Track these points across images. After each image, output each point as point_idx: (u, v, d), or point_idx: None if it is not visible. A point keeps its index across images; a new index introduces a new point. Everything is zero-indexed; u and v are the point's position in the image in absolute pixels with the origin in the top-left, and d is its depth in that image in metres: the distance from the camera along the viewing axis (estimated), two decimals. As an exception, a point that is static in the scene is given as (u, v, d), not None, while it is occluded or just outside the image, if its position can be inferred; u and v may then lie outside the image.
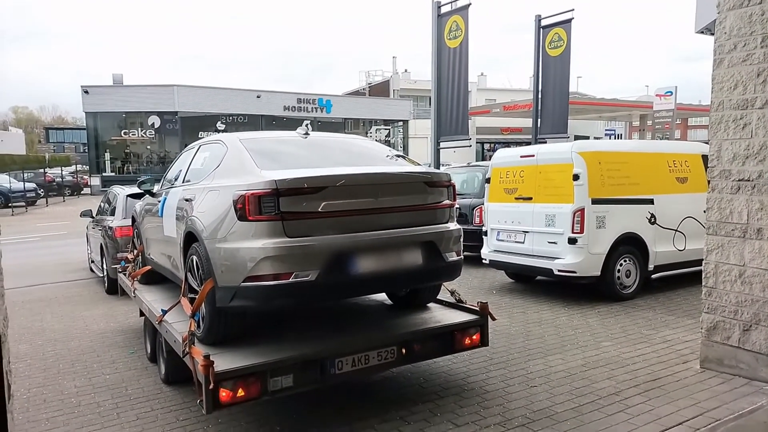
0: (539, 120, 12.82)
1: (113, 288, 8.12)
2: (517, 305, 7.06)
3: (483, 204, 9.74)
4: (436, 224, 3.96)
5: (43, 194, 29.00)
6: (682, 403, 4.00)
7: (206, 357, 3.27)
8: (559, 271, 6.95)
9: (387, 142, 46.06)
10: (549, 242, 7.14)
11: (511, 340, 5.59)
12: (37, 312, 7.76)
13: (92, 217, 10.39)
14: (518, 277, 8.54)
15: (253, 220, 3.41)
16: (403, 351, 3.88)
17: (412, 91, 50.40)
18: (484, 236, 8.29)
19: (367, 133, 44.92)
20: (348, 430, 3.76)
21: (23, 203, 26.34)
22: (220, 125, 36.95)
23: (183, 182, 4.80)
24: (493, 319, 4.41)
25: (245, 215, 3.42)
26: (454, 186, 4.19)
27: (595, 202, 6.86)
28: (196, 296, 3.80)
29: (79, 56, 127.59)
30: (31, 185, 28.09)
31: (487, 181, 8.28)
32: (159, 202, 5.12)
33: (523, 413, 3.92)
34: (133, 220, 6.57)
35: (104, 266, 8.86)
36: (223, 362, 3.38)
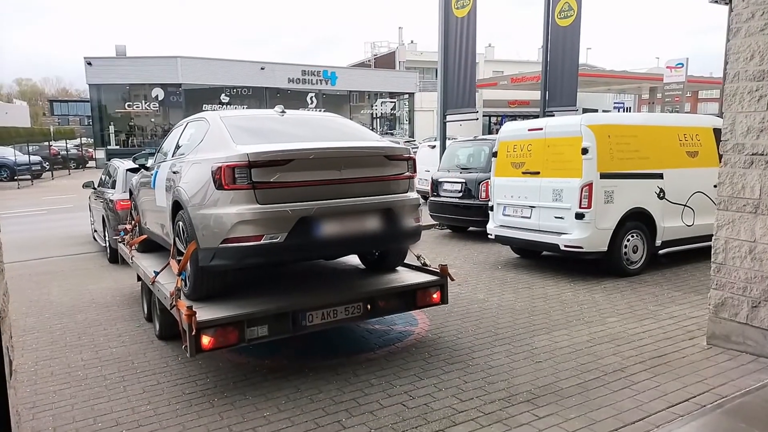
0: (547, 92, 12.60)
1: (114, 257, 8.73)
2: (522, 281, 7.03)
3: (489, 179, 9.70)
4: (396, 194, 4.38)
5: (48, 167, 29.01)
6: (688, 379, 3.98)
7: (189, 308, 3.74)
8: (565, 246, 6.90)
9: (392, 116, 45.65)
10: (556, 217, 7.07)
11: (516, 316, 5.57)
12: (44, 285, 7.80)
13: (94, 189, 10.70)
14: (524, 253, 8.50)
15: (229, 189, 3.85)
16: (369, 307, 4.36)
17: (419, 63, 49.66)
18: (490, 211, 8.22)
19: (372, 106, 44.50)
20: (354, 405, 3.77)
21: (29, 176, 26.38)
22: (224, 98, 36.65)
23: (172, 156, 5.19)
24: (452, 279, 4.86)
25: (222, 185, 3.87)
26: (413, 159, 4.59)
27: (603, 176, 6.76)
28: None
29: (83, 28, 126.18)
30: (36, 158, 28.06)
31: (494, 155, 8.17)
32: (152, 175, 5.62)
33: (528, 389, 3.91)
34: (131, 192, 7.09)
35: (106, 236, 9.29)
36: (205, 314, 3.87)
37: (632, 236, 7.07)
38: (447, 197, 10.40)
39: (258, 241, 3.82)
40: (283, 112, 4.92)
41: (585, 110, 12.00)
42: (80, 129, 60.35)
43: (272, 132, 4.52)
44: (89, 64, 33.51)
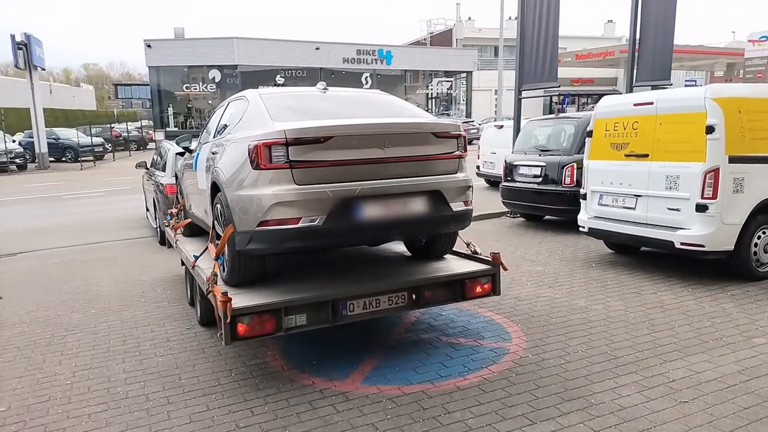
0: (636, 66, 11.17)
1: (164, 240, 8.61)
2: (626, 284, 5.96)
3: (574, 162, 8.58)
4: (444, 174, 4.05)
5: (110, 149, 29.53)
6: None
7: (224, 294, 3.54)
8: (682, 244, 5.76)
9: (448, 95, 44.14)
10: (669, 209, 5.93)
11: (633, 332, 4.55)
12: (94, 274, 7.35)
13: (146, 169, 10.66)
14: (618, 248, 7.38)
15: (265, 169, 3.60)
16: (414, 297, 4.04)
17: (477, 41, 47.79)
18: (582, 200, 7.12)
19: (428, 86, 43.14)
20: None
21: (92, 158, 26.89)
22: (279, 79, 36.34)
23: (213, 137, 5.00)
24: (505, 269, 4.43)
25: (258, 164, 3.62)
26: (464, 137, 4.22)
27: (732, 160, 5.56)
28: None
29: (147, 11, 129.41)
30: (98, 140, 28.59)
31: (588, 134, 7.04)
32: (194, 157, 5.47)
33: (681, 444, 2.94)
34: (176, 177, 6.99)
35: (156, 219, 9.32)
36: (241, 300, 3.65)
37: (764, 232, 5.85)
38: (523, 182, 9.32)
39: (296, 224, 3.57)
40: (325, 89, 4.68)
41: (653, 88, 10.54)
42: (142, 112, 61.91)
43: (314, 109, 4.25)
44: (149, 46, 33.86)
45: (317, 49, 36.64)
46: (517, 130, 10.59)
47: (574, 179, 8.55)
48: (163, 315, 5.52)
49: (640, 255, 7.15)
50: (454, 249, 4.79)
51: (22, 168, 24.40)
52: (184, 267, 5.80)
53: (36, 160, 25.36)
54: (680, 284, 5.83)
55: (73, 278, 7.17)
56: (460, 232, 4.58)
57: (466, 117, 39.56)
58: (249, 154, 3.70)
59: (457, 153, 4.15)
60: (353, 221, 3.68)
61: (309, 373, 3.99)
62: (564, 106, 39.81)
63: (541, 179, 8.99)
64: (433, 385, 3.73)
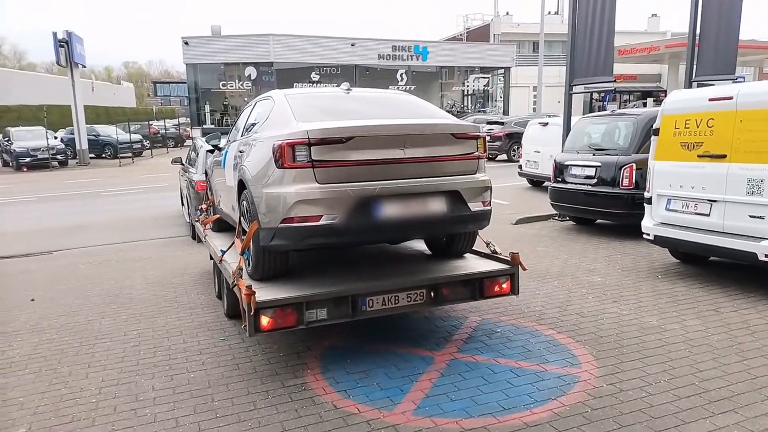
0: (696, 59, 10.37)
1: (195, 234, 8.68)
2: (701, 299, 5.36)
3: (633, 162, 7.95)
4: (463, 175, 4.10)
5: (148, 145, 29.87)
6: None
7: (248, 287, 3.65)
8: (767, 256, 5.14)
9: (484, 92, 43.20)
10: (751, 216, 5.30)
11: (722, 359, 3.98)
12: (128, 276, 7.12)
13: (182, 164, 10.71)
14: (685, 257, 6.74)
15: (288, 168, 3.70)
16: (432, 294, 4.11)
17: (515, 36, 46.69)
18: (646, 204, 6.51)
19: (463, 83, 42.31)
20: None
21: (130, 154, 27.22)
22: (314, 76, 36.17)
23: (241, 136, 5.13)
24: (524, 269, 4.44)
25: (282, 163, 3.73)
26: (484, 138, 4.28)
27: (829, 162, 4.91)
28: None
29: (187, 10, 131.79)
30: (137, 137, 28.94)
31: (655, 132, 6.42)
32: (223, 155, 5.64)
33: None
34: (206, 174, 7.20)
35: (189, 214, 9.49)
36: (265, 294, 3.78)
37: None
38: (575, 184, 8.71)
39: (316, 222, 3.68)
40: (349, 89, 4.81)
41: (699, 84, 9.76)
42: (180, 109, 62.94)
43: (337, 110, 4.37)
44: (186, 43, 34.10)
45: (353, 45, 36.29)
46: (567, 127, 9.96)
47: (633, 181, 7.92)
48: (197, 323, 5.20)
49: (710, 265, 6.51)
50: (474, 248, 4.82)
51: (63, 164, 24.83)
52: (212, 261, 5.86)
53: (77, 157, 25.79)
54: (764, 301, 5.20)
55: (107, 279, 6.96)
56: (480, 231, 4.58)
57: (503, 114, 38.61)
58: (273, 154, 3.80)
59: (476, 154, 4.19)
60: (372, 220, 3.76)
61: (353, 398, 3.59)
62: (605, 103, 38.43)
63: (595, 180, 8.37)
64: (496, 419, 3.26)
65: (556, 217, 9.96)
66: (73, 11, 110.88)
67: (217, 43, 35.10)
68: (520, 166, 14.41)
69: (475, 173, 4.18)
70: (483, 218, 4.23)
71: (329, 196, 3.65)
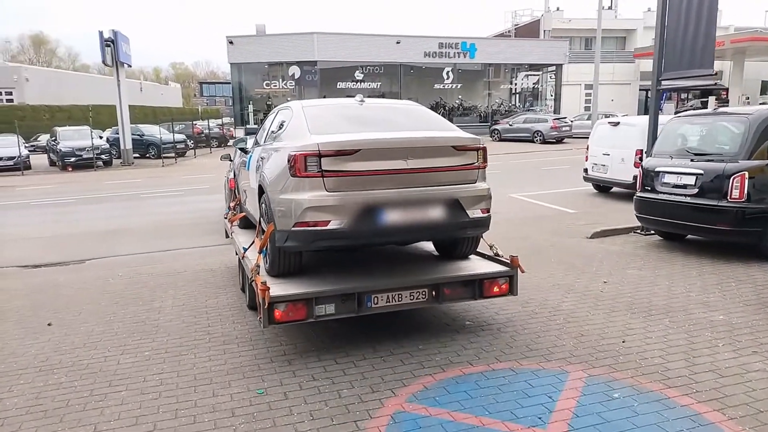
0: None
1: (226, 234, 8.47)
2: None
3: (744, 170, 6.65)
4: (463, 184, 4.41)
5: (192, 145, 29.68)
6: None
7: (263, 283, 4.04)
8: None
9: (533, 90, 41.42)
10: None
11: None
12: (158, 296, 6.31)
13: (230, 160, 9.85)
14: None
15: (301, 176, 4.09)
16: (434, 293, 4.42)
17: (566, 32, 44.71)
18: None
19: (511, 81, 40.68)
20: None
21: (173, 154, 27.01)
22: (358, 74, 35.40)
23: (263, 142, 5.53)
24: (522, 271, 4.67)
25: (295, 172, 4.11)
26: (484, 149, 4.55)
27: None
28: None
29: (232, 10, 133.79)
30: (180, 137, 28.74)
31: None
32: (248, 158, 5.94)
33: None
34: (235, 174, 7.51)
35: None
36: (278, 289, 4.15)
37: None
38: (669, 194, 7.43)
39: (325, 226, 4.02)
40: (362, 101, 5.18)
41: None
42: (225, 109, 63.50)
43: (348, 121, 4.68)
44: (231, 43, 33.88)
45: (398, 43, 35.29)
46: (654, 128, 8.66)
47: (745, 192, 6.63)
48: (230, 366, 4.29)
49: None
50: (479, 251, 5.11)
51: (107, 164, 24.75)
52: (237, 256, 6.06)
53: (121, 156, 25.74)
54: None
55: (134, 300, 6.17)
56: (484, 234, 4.82)
57: (555, 113, 36.83)
58: (289, 162, 4.15)
59: (476, 164, 4.49)
60: (376, 225, 4.10)
61: None
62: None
63: (696, 191, 7.08)
64: None
65: (639, 230, 8.69)
66: (125, 13, 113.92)
67: (261, 42, 34.78)
68: (586, 170, 13.10)
69: (474, 182, 4.47)
70: (481, 224, 4.53)
71: (337, 203, 4.02)
